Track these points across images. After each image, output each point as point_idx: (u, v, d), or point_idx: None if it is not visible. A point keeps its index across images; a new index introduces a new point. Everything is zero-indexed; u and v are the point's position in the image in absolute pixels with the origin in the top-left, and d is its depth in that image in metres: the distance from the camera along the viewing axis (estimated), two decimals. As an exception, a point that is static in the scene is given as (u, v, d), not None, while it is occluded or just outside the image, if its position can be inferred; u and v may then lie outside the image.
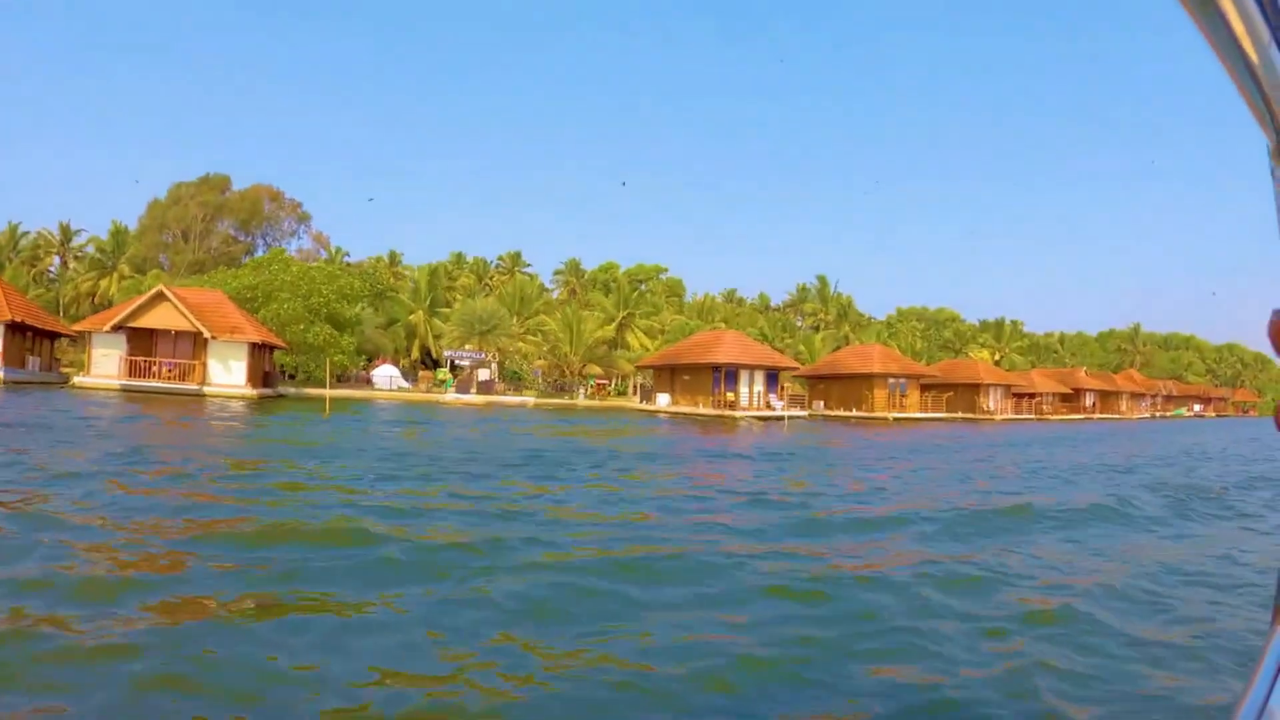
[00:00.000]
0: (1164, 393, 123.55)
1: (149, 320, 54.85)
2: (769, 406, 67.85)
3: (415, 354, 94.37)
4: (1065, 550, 12.99)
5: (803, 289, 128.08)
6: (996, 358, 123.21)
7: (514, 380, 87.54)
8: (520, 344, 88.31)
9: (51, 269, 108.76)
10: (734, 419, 62.11)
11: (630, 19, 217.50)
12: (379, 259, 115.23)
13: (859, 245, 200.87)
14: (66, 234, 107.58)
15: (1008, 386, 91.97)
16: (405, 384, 79.38)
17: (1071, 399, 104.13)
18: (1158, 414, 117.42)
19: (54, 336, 61.55)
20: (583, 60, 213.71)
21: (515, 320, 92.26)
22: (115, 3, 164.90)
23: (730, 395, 67.15)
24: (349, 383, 76.05)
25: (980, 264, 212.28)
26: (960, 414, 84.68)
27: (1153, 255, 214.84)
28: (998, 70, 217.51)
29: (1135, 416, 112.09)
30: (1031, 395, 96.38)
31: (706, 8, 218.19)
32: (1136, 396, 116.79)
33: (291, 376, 70.60)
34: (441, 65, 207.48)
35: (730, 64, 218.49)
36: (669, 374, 74.54)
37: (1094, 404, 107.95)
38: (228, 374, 55.99)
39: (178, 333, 55.11)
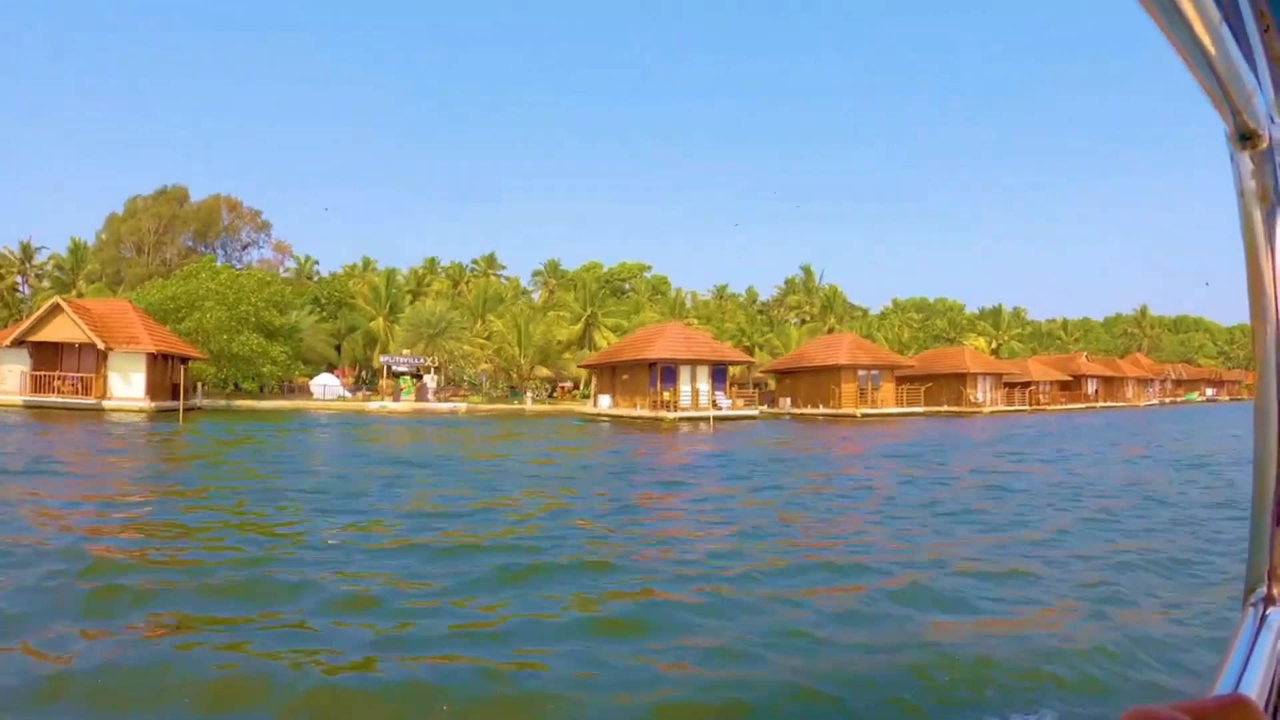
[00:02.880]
0: (1173, 377, 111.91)
1: (48, 333, 51.60)
2: (715, 405, 57.97)
3: (376, 361, 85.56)
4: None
5: (791, 282, 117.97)
6: (994, 346, 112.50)
7: (459, 386, 78.61)
8: (466, 347, 78.54)
9: (24, 289, 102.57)
10: (668, 421, 53.81)
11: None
12: (353, 266, 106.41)
13: (859, 238, 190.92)
14: (27, 252, 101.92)
15: (998, 375, 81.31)
16: (345, 393, 73.11)
17: (1072, 387, 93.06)
18: (1167, 400, 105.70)
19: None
20: (581, 57, 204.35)
21: (480, 324, 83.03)
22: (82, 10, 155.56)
23: (668, 394, 57.21)
24: (287, 393, 71.09)
25: (986, 254, 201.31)
26: (945, 407, 74.32)
27: (1161, 234, 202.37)
28: (996, 56, 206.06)
29: (1142, 403, 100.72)
30: (1026, 384, 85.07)
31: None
32: (1143, 382, 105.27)
33: (220, 387, 67.18)
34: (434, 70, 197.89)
35: (724, 61, 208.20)
36: (610, 374, 65.45)
37: (1097, 391, 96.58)
38: (128, 386, 52.61)
39: (81, 346, 52.14)
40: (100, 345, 50.97)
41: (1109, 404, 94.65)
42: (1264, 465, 1.24)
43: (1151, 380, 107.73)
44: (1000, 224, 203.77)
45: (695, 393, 58.61)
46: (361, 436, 37.65)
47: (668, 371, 58.28)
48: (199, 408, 56.69)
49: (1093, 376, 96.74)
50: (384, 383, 76.16)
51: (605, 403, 63.92)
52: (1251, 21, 1.19)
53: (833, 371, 67.03)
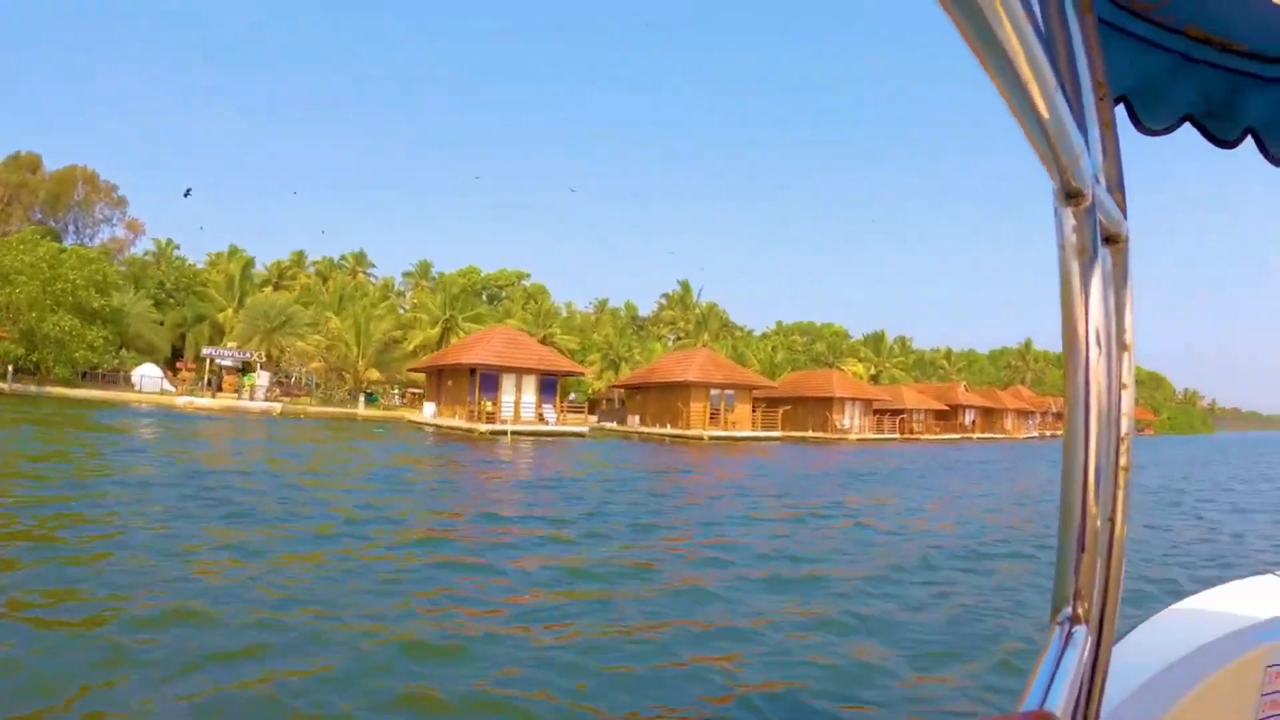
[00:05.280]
0: (1054, 410, 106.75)
1: None
2: (542, 419, 50.65)
3: (198, 353, 77.10)
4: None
5: (670, 298, 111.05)
6: (874, 373, 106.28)
7: (297, 385, 71.32)
8: (300, 344, 70.28)
9: None
10: (479, 433, 47.45)
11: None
12: (218, 255, 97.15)
13: (752, 260, 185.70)
14: None
15: (867, 401, 74.63)
16: (167, 386, 66.29)
17: (949, 416, 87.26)
18: (1047, 433, 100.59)
19: None
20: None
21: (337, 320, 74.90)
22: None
23: (489, 404, 49.53)
24: (105, 382, 64.43)
25: (883, 285, 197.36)
26: (809, 432, 67.84)
27: (1043, 271, 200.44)
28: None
29: (1021, 436, 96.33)
30: (900, 412, 78.72)
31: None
32: (1023, 414, 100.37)
33: (31, 371, 60.11)
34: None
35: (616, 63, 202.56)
36: (437, 379, 58.03)
37: (974, 422, 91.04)
38: None
39: None
40: None
41: (986, 435, 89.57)
42: (1070, 494, 1.29)
43: (1032, 413, 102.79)
44: (896, 256, 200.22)
45: (518, 404, 51.33)
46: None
47: (488, 379, 51.34)
48: None
49: (970, 407, 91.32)
50: (229, 379, 67.92)
51: (430, 410, 56.99)
52: (1089, 88, 1.33)
53: (682, 389, 59.98)
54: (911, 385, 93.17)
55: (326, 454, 30.44)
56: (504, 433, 46.81)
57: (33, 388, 56.67)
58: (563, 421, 53.61)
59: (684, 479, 28.52)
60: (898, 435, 75.25)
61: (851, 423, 72.36)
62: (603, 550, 13.27)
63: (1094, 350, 1.23)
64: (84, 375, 63.95)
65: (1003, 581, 12.52)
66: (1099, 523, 1.32)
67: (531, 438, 47.08)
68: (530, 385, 52.51)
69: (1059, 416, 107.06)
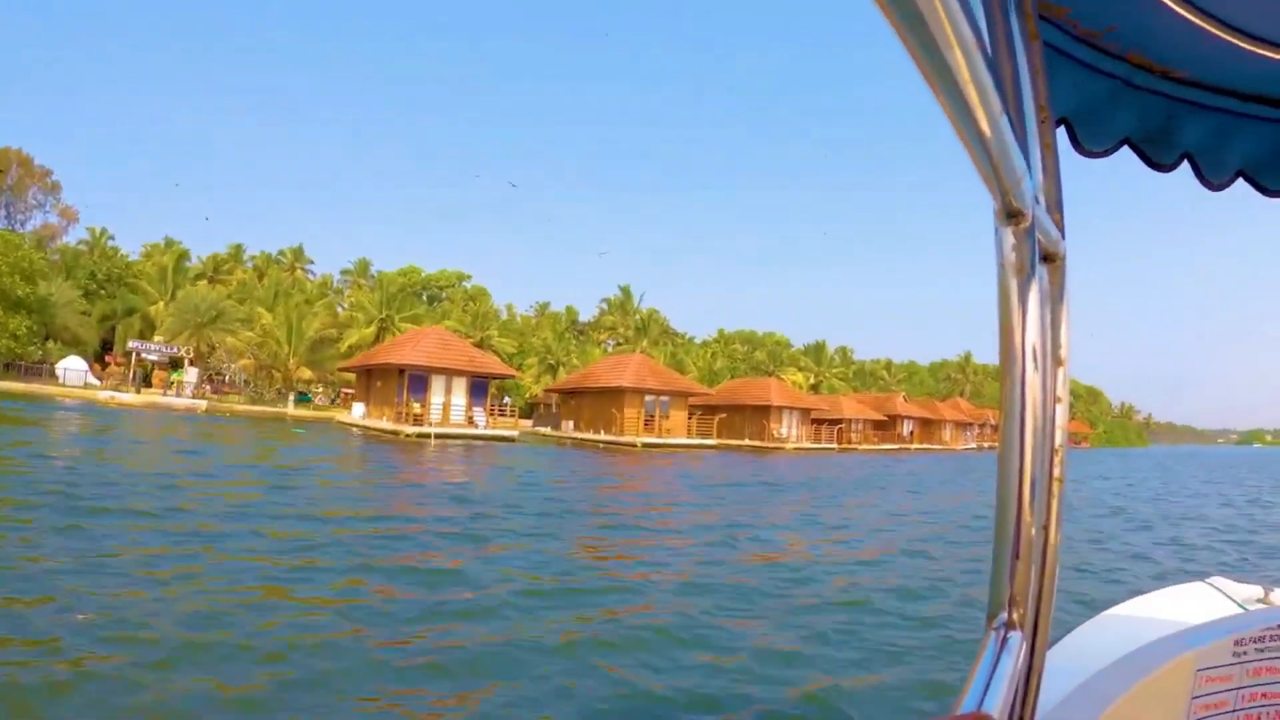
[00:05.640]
0: (992, 422, 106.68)
1: None
2: (471, 422, 49.46)
3: (122, 346, 75.04)
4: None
5: (611, 302, 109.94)
6: (814, 382, 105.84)
7: (226, 382, 69.21)
8: (230, 340, 68.46)
9: None
10: (404, 435, 46.31)
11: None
12: (154, 246, 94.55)
13: (699, 268, 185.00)
14: None
15: (805, 411, 73.85)
16: (92, 380, 64.44)
17: (887, 427, 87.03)
18: (985, 445, 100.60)
19: None
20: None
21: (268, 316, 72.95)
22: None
23: (417, 406, 48.30)
24: (26, 375, 62.35)
25: (825, 294, 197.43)
26: (745, 440, 67.21)
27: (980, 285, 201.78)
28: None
29: (959, 447, 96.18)
30: (838, 422, 78.13)
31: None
32: (962, 426, 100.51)
33: None
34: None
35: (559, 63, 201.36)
36: (366, 379, 56.71)
37: (913, 433, 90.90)
38: None
39: None
40: None
41: (925, 446, 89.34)
42: (1005, 504, 1.32)
43: (970, 424, 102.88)
44: (841, 266, 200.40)
45: (447, 406, 50.08)
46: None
47: (417, 380, 50.08)
48: None
49: (909, 417, 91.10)
50: (158, 374, 66.13)
51: (359, 411, 55.69)
52: (1031, 112, 1.38)
53: (616, 394, 58.97)
54: (851, 395, 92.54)
55: (225, 453, 29.07)
56: (428, 435, 45.59)
57: None
58: (493, 425, 52.47)
59: (596, 488, 27.52)
60: (835, 445, 74.47)
61: (789, 432, 71.71)
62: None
63: (1030, 365, 1.26)
64: (6, 367, 62.20)
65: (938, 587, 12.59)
66: (1033, 531, 1.34)
67: (458, 440, 46.04)
68: (460, 387, 51.29)
69: (996, 429, 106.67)
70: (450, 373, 50.61)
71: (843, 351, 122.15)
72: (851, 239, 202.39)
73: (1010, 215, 1.15)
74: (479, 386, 52.48)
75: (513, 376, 62.31)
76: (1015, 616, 1.36)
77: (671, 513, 21.50)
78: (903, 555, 16.25)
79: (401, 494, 22.05)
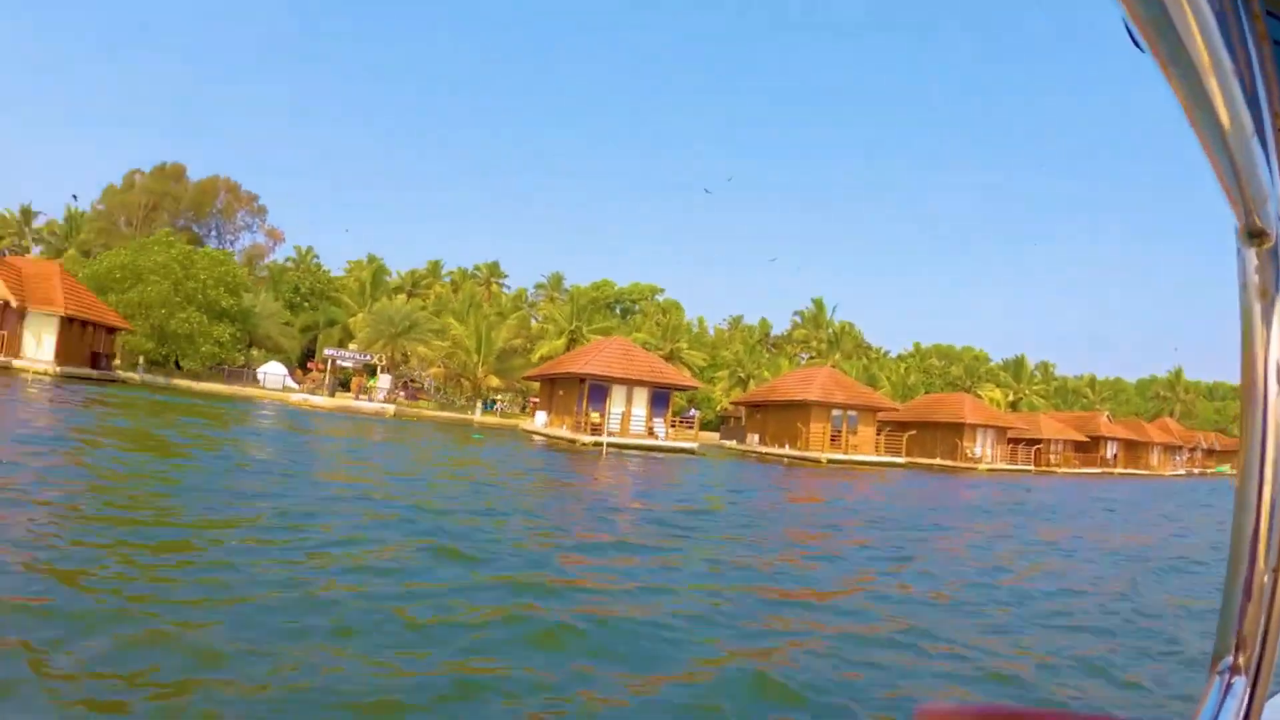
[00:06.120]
0: (1204, 446, 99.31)
1: None
2: (651, 433, 48.44)
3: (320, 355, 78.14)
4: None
5: (803, 315, 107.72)
6: (1012, 399, 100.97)
7: (420, 389, 70.70)
8: (422, 349, 69.91)
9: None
10: (580, 444, 45.58)
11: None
12: (357, 263, 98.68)
13: (891, 280, 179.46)
14: (27, 216, 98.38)
15: (1001, 429, 69.83)
16: (291, 383, 67.84)
17: (1089, 448, 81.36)
18: (1195, 470, 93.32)
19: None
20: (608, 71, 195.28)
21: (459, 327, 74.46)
22: None
23: (595, 415, 47.56)
24: (230, 378, 66.04)
25: (1023, 305, 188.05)
26: (936, 460, 64.12)
27: (1200, 297, 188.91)
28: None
29: (1167, 473, 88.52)
30: (1036, 442, 73.75)
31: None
32: (1170, 449, 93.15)
33: (157, 364, 63.93)
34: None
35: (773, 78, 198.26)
36: (549, 388, 56.60)
37: (1116, 456, 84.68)
38: (39, 348, 51.99)
39: (5, 303, 51.03)
40: (14, 303, 50.69)
41: (1129, 471, 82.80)
42: (1240, 539, 1.27)
43: (1180, 448, 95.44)
44: (1037, 275, 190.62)
45: (627, 416, 49.17)
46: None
47: (598, 390, 49.26)
48: (116, 379, 56.19)
49: (1113, 439, 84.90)
50: (356, 380, 68.31)
51: (541, 419, 55.43)
52: (1269, 122, 1.27)
53: (801, 408, 56.93)
54: (1050, 413, 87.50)
55: (387, 453, 29.95)
56: (602, 445, 44.68)
57: (161, 379, 59.15)
58: (673, 437, 51.25)
59: (762, 501, 25.82)
60: (1032, 467, 70.27)
61: (983, 451, 67.99)
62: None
63: (1274, 391, 1.22)
64: (213, 369, 65.77)
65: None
66: (1268, 571, 1.27)
67: (634, 451, 45.03)
68: (641, 398, 50.30)
69: (1211, 453, 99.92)
70: (631, 383, 49.69)
71: (1044, 367, 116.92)
72: (1055, 251, 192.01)
73: (1253, 235, 1.12)
74: (660, 397, 51.36)
75: (694, 388, 61.25)
76: (1241, 661, 1.27)
77: (866, 529, 19.66)
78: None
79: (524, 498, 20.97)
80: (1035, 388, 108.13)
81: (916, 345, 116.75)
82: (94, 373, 54.43)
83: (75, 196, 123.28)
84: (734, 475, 36.50)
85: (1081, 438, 79.89)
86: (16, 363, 49.86)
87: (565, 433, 48.95)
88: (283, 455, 24.11)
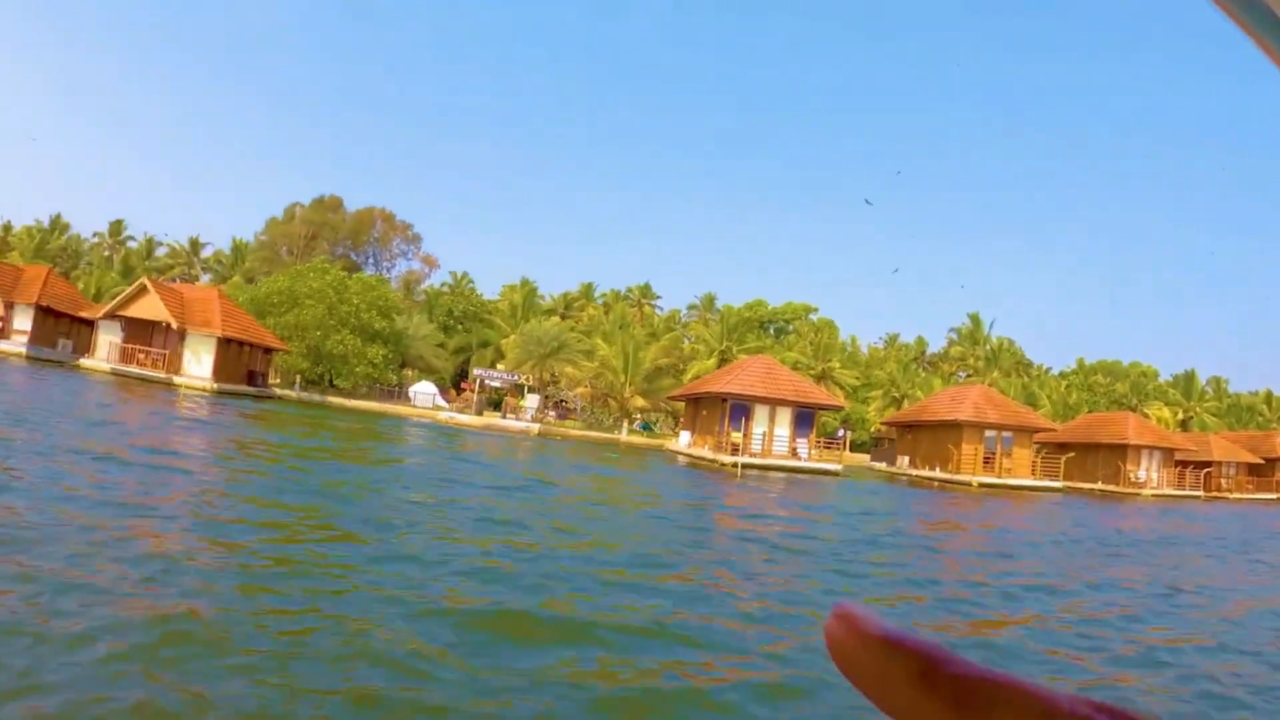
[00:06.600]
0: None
1: (135, 310, 55.09)
2: (794, 454, 47.49)
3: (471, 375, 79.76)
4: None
5: (962, 332, 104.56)
6: (1182, 418, 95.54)
7: (570, 409, 71.26)
8: (569, 369, 70.39)
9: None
10: (720, 464, 44.77)
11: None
12: (512, 287, 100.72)
13: (1054, 290, 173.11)
14: (195, 247, 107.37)
15: (1169, 451, 65.76)
16: (441, 402, 69.95)
17: (1263, 472, 75.77)
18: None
19: (88, 323, 60.49)
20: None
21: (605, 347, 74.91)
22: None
23: (736, 435, 46.76)
24: (383, 396, 69.32)
25: (1191, 316, 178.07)
26: (1098, 485, 61.07)
27: None
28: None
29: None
30: (1206, 465, 69.33)
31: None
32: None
33: (313, 383, 67.05)
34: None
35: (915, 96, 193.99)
36: (693, 408, 56.31)
37: (1293, 479, 78.38)
38: (198, 366, 55.48)
39: (167, 325, 54.97)
40: (175, 325, 54.16)
41: (1310, 497, 76.75)
42: None
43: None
44: (1208, 284, 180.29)
45: (770, 436, 48.26)
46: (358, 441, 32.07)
47: (740, 409, 48.42)
48: (272, 395, 59.14)
49: (1291, 461, 78.78)
50: (509, 400, 69.33)
51: (685, 440, 55.45)
52: None
53: (953, 428, 54.95)
54: (1222, 434, 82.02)
55: (521, 465, 30.76)
56: (738, 465, 43.77)
57: (317, 396, 62.13)
58: (817, 458, 49.96)
59: (888, 535, 24.54)
60: (1201, 492, 66.06)
61: (1148, 475, 64.26)
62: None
63: None
64: (368, 389, 68.48)
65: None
66: None
67: (775, 471, 44.08)
68: (785, 418, 49.23)
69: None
70: (774, 402, 48.68)
71: (1216, 383, 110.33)
72: (1230, 257, 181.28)
73: None
74: (804, 417, 50.16)
75: (838, 408, 59.70)
76: None
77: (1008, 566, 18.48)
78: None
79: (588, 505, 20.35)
80: (1207, 405, 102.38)
81: (1080, 361, 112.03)
82: (250, 389, 57.32)
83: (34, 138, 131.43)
84: (870, 498, 35.09)
85: (1256, 460, 74.57)
86: (178, 379, 53.21)
87: (706, 452, 48.35)
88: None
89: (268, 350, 62.12)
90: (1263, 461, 74.99)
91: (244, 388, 56.87)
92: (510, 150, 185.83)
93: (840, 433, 72.51)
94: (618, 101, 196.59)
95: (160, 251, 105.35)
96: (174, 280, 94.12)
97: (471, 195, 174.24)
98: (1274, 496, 72.44)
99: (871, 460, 69.22)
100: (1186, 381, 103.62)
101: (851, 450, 78.08)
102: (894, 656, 0.37)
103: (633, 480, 30.81)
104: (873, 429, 79.94)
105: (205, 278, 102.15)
